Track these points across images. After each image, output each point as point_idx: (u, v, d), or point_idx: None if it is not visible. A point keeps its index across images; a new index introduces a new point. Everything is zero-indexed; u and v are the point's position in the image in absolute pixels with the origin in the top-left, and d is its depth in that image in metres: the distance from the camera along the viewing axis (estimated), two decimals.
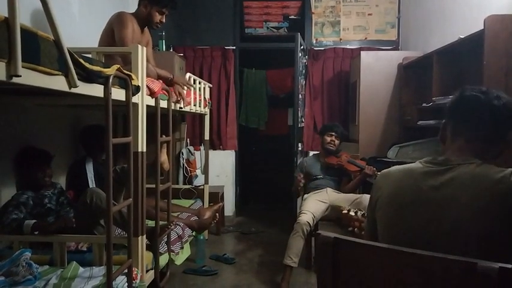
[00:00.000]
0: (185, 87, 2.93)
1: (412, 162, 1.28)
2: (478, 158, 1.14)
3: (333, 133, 3.44)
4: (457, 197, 1.08)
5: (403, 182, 1.22)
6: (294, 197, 3.44)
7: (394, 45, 4.59)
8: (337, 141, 3.44)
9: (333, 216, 3.16)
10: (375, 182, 1.37)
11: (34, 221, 2.17)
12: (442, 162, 1.18)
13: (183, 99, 2.90)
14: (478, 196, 1.06)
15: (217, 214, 3.29)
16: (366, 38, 4.65)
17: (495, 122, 1.16)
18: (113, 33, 2.62)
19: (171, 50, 4.29)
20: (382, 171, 1.35)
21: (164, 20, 2.84)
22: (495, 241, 1.04)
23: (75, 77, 1.45)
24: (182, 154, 4.50)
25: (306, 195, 3.35)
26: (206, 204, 3.94)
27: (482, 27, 2.35)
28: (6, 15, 1.13)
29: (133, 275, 1.99)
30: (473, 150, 1.17)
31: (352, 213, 1.61)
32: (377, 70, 3.89)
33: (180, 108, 2.94)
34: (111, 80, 1.70)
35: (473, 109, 1.18)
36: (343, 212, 1.64)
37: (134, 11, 2.80)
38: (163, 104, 2.55)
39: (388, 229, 1.24)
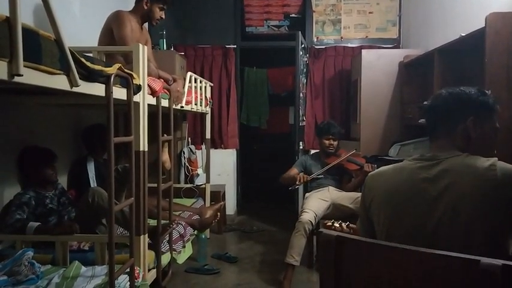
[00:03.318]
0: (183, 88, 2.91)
1: None
2: (460, 150, 1.23)
3: (331, 136, 3.41)
4: (456, 185, 1.15)
5: (396, 179, 1.27)
6: (290, 187, 3.18)
7: (395, 43, 4.58)
8: (335, 143, 3.43)
9: (335, 214, 3.15)
10: (365, 183, 1.39)
11: (37, 223, 2.17)
12: (430, 157, 1.25)
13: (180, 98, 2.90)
14: (475, 182, 1.14)
15: (218, 213, 3.30)
16: (366, 37, 4.64)
17: (448, 109, 1.29)
18: (111, 32, 2.61)
19: (172, 49, 4.28)
20: (371, 172, 1.41)
21: (164, 16, 2.85)
22: (495, 221, 1.11)
23: (77, 76, 1.45)
24: (183, 153, 4.50)
25: (307, 194, 3.35)
26: (208, 203, 3.94)
27: (484, 25, 2.34)
28: (8, 14, 1.13)
29: (136, 274, 1.99)
30: (453, 144, 1.25)
31: (336, 224, 1.58)
32: (378, 68, 3.88)
33: (182, 107, 2.94)
34: (112, 79, 1.70)
35: (435, 106, 1.35)
36: (327, 224, 1.61)
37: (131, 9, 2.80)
38: (165, 103, 2.55)
39: (387, 227, 1.26)
